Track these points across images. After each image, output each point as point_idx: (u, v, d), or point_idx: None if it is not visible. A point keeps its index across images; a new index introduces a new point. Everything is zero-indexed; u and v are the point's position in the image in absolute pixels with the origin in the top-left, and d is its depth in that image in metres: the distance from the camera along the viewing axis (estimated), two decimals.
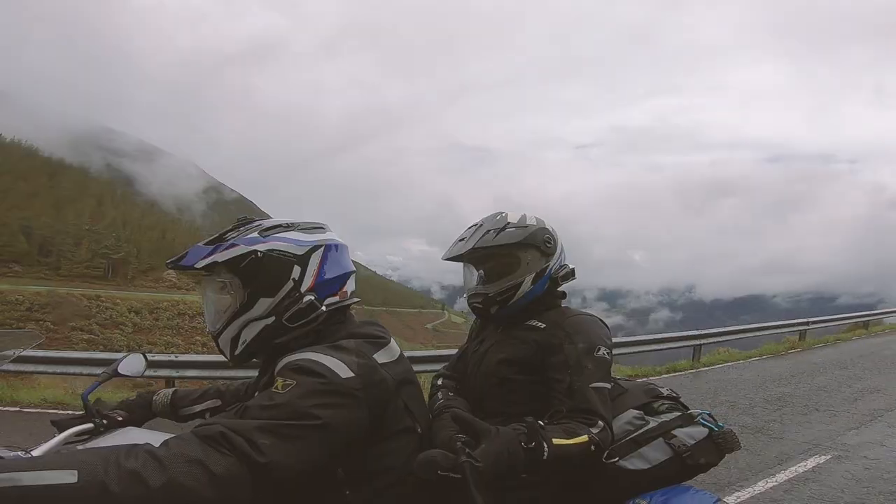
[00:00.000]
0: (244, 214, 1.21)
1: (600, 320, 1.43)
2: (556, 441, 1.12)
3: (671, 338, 9.39)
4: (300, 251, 1.11)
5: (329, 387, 0.92)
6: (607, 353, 1.33)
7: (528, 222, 1.48)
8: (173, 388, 1.46)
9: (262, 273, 1.08)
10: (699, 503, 1.19)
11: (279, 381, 0.92)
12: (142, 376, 1.51)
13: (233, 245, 1.08)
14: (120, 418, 1.31)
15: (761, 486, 3.72)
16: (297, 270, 1.09)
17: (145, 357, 1.48)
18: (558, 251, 1.51)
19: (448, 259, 1.53)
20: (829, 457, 4.30)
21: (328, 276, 1.13)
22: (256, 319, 1.09)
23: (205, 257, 1.07)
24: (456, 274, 1.62)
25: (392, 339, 1.15)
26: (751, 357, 10.03)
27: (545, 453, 1.09)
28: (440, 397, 1.47)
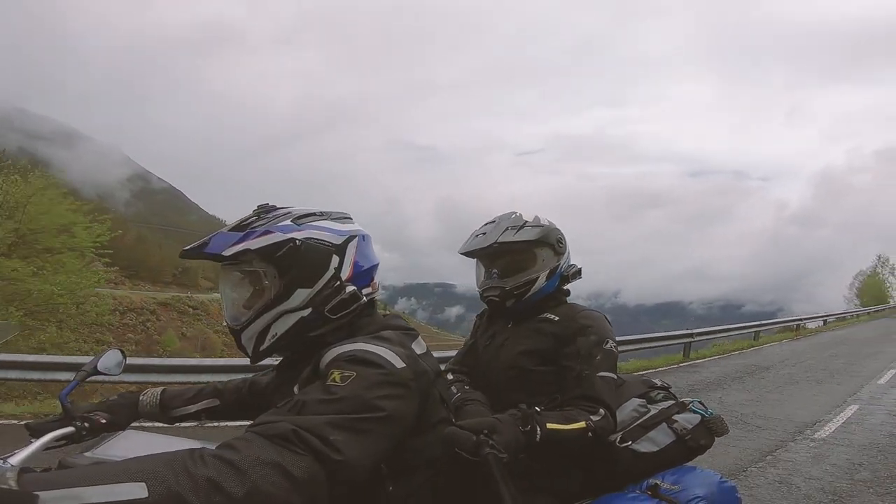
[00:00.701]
0: (265, 203, 1.12)
1: (605, 317, 1.50)
2: (550, 425, 1.21)
3: None
4: (338, 241, 1.07)
5: (389, 378, 0.88)
6: (614, 347, 1.42)
7: (542, 222, 1.55)
8: (161, 388, 1.34)
9: (300, 262, 1.02)
10: (705, 480, 1.32)
11: (336, 373, 0.86)
12: (119, 374, 1.34)
13: (267, 232, 1.02)
14: (103, 420, 1.20)
15: None
16: (335, 260, 1.05)
17: (123, 354, 1.36)
18: (567, 251, 1.59)
19: (466, 253, 1.57)
20: None
21: (363, 266, 1.10)
22: (292, 311, 1.03)
23: (234, 244, 1.00)
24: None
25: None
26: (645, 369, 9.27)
27: (538, 435, 1.19)
28: (455, 390, 1.48)
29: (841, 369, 9.57)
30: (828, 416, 6.02)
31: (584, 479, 1.39)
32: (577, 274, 1.60)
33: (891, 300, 33.34)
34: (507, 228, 1.51)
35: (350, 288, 1.07)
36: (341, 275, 1.06)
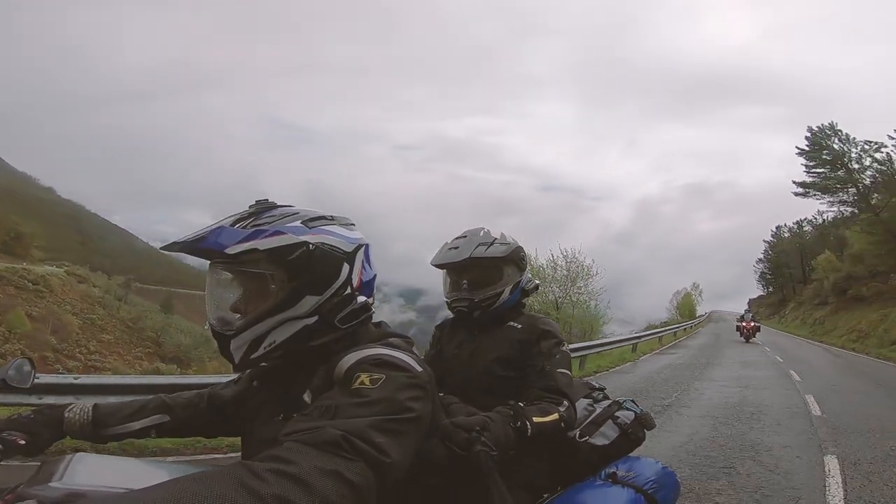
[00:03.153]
0: (264, 199, 1.05)
1: (556, 324, 1.67)
2: (535, 419, 1.30)
3: None
4: (349, 248, 1.03)
5: (414, 380, 0.88)
6: (567, 349, 1.58)
7: (508, 240, 1.65)
8: (92, 403, 1.17)
9: (312, 268, 0.97)
10: (650, 467, 1.52)
11: (364, 377, 0.84)
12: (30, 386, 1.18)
13: (278, 232, 0.95)
14: (22, 441, 1.04)
15: None
16: (346, 268, 1.01)
17: (32, 363, 1.21)
18: (528, 267, 1.73)
19: (438, 265, 1.66)
20: None
21: (367, 277, 1.07)
22: (297, 318, 0.97)
23: (240, 242, 0.93)
24: None
25: None
26: None
27: (529, 430, 1.27)
28: None
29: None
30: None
31: (551, 471, 1.48)
32: (535, 288, 1.73)
33: (698, 313, 46.78)
34: (478, 244, 1.60)
35: (361, 298, 1.04)
36: (352, 283, 1.03)
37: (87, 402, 1.17)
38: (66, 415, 1.13)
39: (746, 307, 28.39)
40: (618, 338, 14.99)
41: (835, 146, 30.01)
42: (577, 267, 18.79)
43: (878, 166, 28.03)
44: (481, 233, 1.64)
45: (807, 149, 31.11)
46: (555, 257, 18.90)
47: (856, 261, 29.78)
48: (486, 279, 1.61)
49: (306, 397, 0.93)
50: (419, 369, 0.91)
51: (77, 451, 1.01)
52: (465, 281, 1.62)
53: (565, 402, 1.41)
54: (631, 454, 1.58)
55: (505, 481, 1.14)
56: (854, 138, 29.53)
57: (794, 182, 32.71)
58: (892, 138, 26.94)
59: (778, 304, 51.52)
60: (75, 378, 4.49)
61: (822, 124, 30.77)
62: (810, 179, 31.85)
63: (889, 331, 20.48)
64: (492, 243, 1.61)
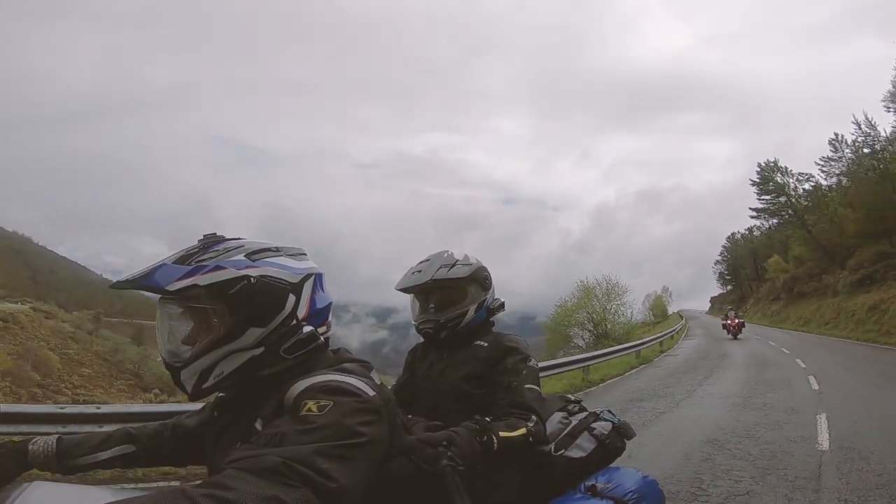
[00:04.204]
0: (210, 232, 1.07)
1: (525, 340, 1.67)
2: (502, 434, 1.33)
3: None
4: (294, 279, 1.04)
5: (364, 405, 0.89)
6: (536, 364, 1.60)
7: (471, 261, 1.69)
8: (56, 436, 1.18)
9: (254, 301, 0.99)
10: (631, 478, 1.50)
11: (311, 404, 0.86)
12: None
13: (219, 267, 0.97)
14: None
15: None
16: (292, 299, 1.03)
17: None
18: (493, 286, 1.75)
19: (402, 289, 1.69)
20: None
21: (319, 305, 1.09)
22: (242, 350, 0.99)
23: (181, 278, 0.95)
24: None
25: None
26: None
27: (495, 444, 1.29)
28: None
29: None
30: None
31: (523, 486, 1.47)
32: (501, 307, 1.77)
33: (669, 311, 55.11)
34: (440, 266, 1.64)
35: (307, 328, 1.04)
36: (298, 314, 1.04)
37: (52, 436, 1.17)
38: (31, 447, 1.13)
39: (730, 307, 30.49)
40: (622, 346, 15.51)
41: (777, 179, 39.69)
42: (613, 286, 24.46)
43: (808, 193, 37.65)
44: (444, 255, 1.69)
45: (757, 181, 41.37)
46: (597, 280, 24.63)
47: (798, 263, 38.36)
48: (450, 300, 1.65)
49: (258, 425, 0.94)
50: (371, 393, 0.92)
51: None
52: (431, 304, 1.66)
53: (533, 418, 1.43)
54: (613, 465, 1.58)
55: (472, 499, 1.14)
56: (791, 170, 39.25)
57: (749, 208, 43.74)
58: (818, 165, 35.89)
59: (738, 300, 59.87)
60: (98, 408, 4.69)
61: (769, 160, 40.91)
62: (762, 205, 42.44)
63: (823, 316, 29.00)
64: (454, 265, 1.65)
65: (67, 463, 1.16)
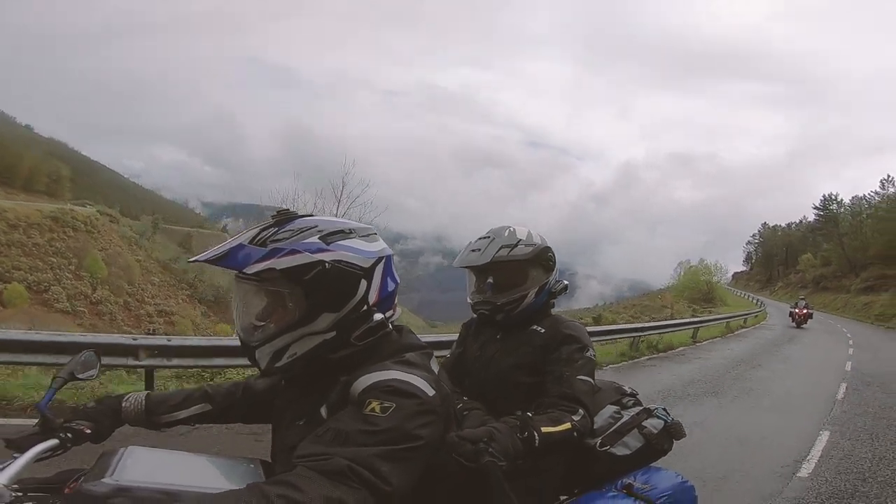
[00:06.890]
0: (283, 208, 1.10)
1: (585, 329, 1.62)
2: (544, 429, 1.30)
3: None
4: (366, 264, 1.05)
5: (424, 406, 0.93)
6: (593, 355, 1.55)
7: (534, 240, 1.59)
8: (145, 392, 1.29)
9: (328, 287, 1.01)
10: (669, 480, 1.49)
11: (375, 404, 0.90)
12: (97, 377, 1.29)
13: (294, 251, 1.00)
14: (88, 430, 1.14)
15: None
16: (363, 285, 1.04)
17: (97, 355, 1.29)
18: (557, 268, 1.65)
19: (462, 267, 1.64)
20: None
21: (388, 290, 1.10)
22: (315, 334, 1.02)
23: (258, 261, 0.98)
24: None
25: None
26: None
27: (536, 441, 1.27)
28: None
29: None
30: None
31: (564, 477, 1.49)
32: (564, 290, 1.68)
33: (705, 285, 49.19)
34: (502, 246, 1.56)
35: (378, 315, 1.06)
36: (368, 300, 1.05)
37: (141, 393, 1.27)
38: (124, 404, 1.23)
39: (802, 297, 29.30)
40: (682, 320, 16.06)
41: (832, 208, 55.48)
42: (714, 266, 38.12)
43: (851, 220, 53.10)
44: (506, 233, 1.60)
45: (820, 209, 58.38)
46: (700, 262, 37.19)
47: (826, 262, 54.64)
48: (510, 282, 1.58)
49: (323, 412, 1.00)
50: (431, 393, 0.95)
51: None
52: (488, 284, 1.59)
53: (580, 411, 1.40)
54: (655, 464, 1.55)
55: (514, 485, 1.15)
56: (843, 200, 55.47)
57: (810, 227, 62.71)
58: (869, 197, 51.31)
59: (766, 281, 73.69)
60: (168, 339, 5.28)
61: (829, 193, 57.64)
62: (818, 225, 60.20)
63: (836, 305, 45.38)
64: (516, 244, 1.57)
65: (154, 419, 1.25)
